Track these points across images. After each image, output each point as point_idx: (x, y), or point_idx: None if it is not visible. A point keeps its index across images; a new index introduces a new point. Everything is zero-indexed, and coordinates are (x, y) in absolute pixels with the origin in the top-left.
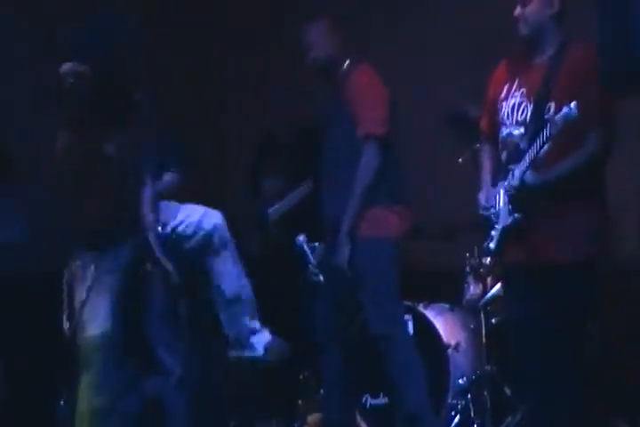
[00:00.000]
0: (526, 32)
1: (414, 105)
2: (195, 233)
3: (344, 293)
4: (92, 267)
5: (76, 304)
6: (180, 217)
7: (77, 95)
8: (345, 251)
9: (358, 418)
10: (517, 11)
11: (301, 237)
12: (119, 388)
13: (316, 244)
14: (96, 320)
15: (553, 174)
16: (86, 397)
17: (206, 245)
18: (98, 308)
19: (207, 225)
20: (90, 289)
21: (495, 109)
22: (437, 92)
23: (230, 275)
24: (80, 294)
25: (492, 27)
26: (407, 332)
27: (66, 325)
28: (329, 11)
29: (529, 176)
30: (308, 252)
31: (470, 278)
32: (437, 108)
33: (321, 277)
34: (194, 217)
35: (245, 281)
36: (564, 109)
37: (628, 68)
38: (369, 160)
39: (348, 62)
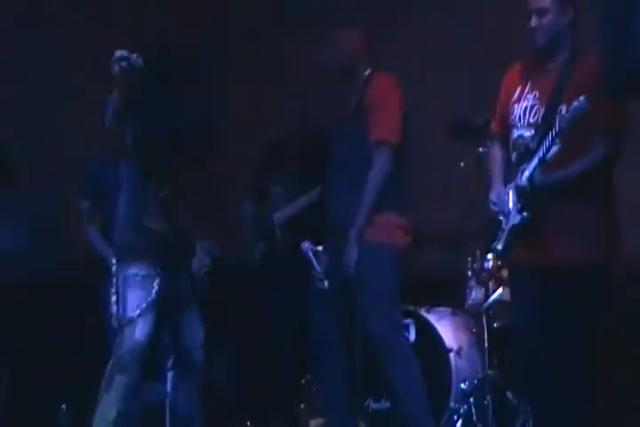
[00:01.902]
0: (543, 42)
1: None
2: None
3: (348, 298)
4: (156, 284)
5: (130, 309)
6: None
7: (128, 79)
8: (353, 254)
9: (360, 422)
10: (534, 21)
11: (306, 244)
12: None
13: (319, 248)
14: (144, 330)
15: (561, 176)
16: (119, 398)
17: None
18: (149, 322)
19: None
20: (151, 303)
21: (507, 111)
22: (439, 99)
23: None
24: (138, 301)
25: (496, 34)
26: (406, 337)
27: (115, 323)
28: (329, 18)
29: (537, 176)
30: (313, 258)
31: (472, 283)
32: (439, 115)
33: (326, 284)
34: None
35: None
36: (574, 103)
37: (628, 74)
38: (381, 166)
39: (369, 70)
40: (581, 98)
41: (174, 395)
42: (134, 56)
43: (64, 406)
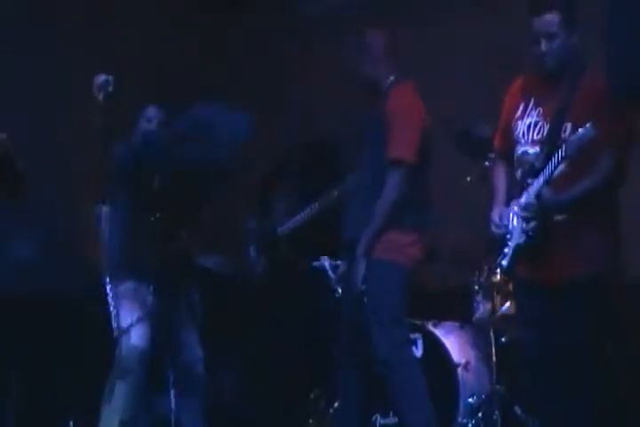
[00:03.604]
0: (553, 65)
1: None
2: None
3: (358, 311)
4: (149, 296)
5: (124, 319)
6: None
7: (113, 103)
8: (360, 271)
9: None
10: (544, 46)
11: (325, 257)
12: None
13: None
14: (141, 336)
15: (567, 196)
16: (121, 406)
17: None
18: (146, 330)
19: None
20: (146, 313)
21: (510, 128)
22: (447, 111)
23: None
24: (131, 311)
25: (504, 46)
26: (411, 355)
27: (115, 333)
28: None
29: (545, 193)
30: (329, 269)
31: (479, 297)
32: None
33: (339, 291)
34: None
35: None
36: (580, 130)
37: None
38: (393, 186)
39: (391, 79)
40: (587, 125)
41: (178, 412)
42: (111, 78)
43: (71, 423)
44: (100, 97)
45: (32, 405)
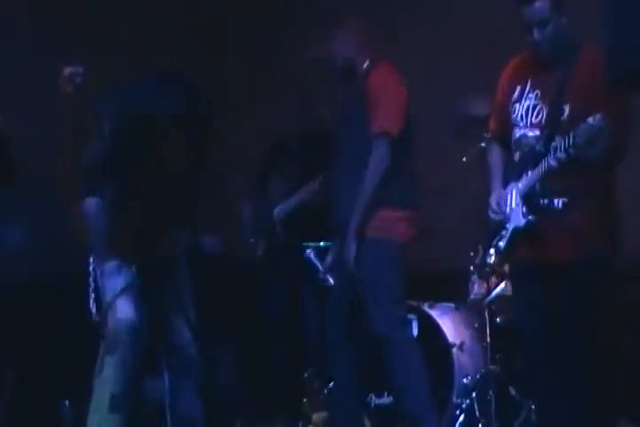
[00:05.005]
0: (549, 51)
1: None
2: None
3: (352, 292)
4: (131, 273)
5: (108, 297)
6: None
7: (84, 96)
8: (352, 249)
9: (363, 417)
10: (537, 35)
11: (309, 250)
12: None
13: (321, 244)
14: (127, 309)
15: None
16: (111, 380)
17: None
18: (130, 302)
19: None
20: (126, 287)
21: (507, 110)
22: (440, 94)
23: None
24: (115, 286)
25: (501, 27)
26: (410, 333)
27: (95, 316)
28: (342, 11)
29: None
30: (316, 261)
31: (475, 277)
32: (440, 110)
33: (330, 280)
34: None
35: None
36: (590, 120)
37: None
38: (379, 157)
39: (367, 63)
40: (598, 116)
41: (172, 394)
42: (82, 70)
43: (67, 402)
44: (69, 90)
45: (29, 385)
